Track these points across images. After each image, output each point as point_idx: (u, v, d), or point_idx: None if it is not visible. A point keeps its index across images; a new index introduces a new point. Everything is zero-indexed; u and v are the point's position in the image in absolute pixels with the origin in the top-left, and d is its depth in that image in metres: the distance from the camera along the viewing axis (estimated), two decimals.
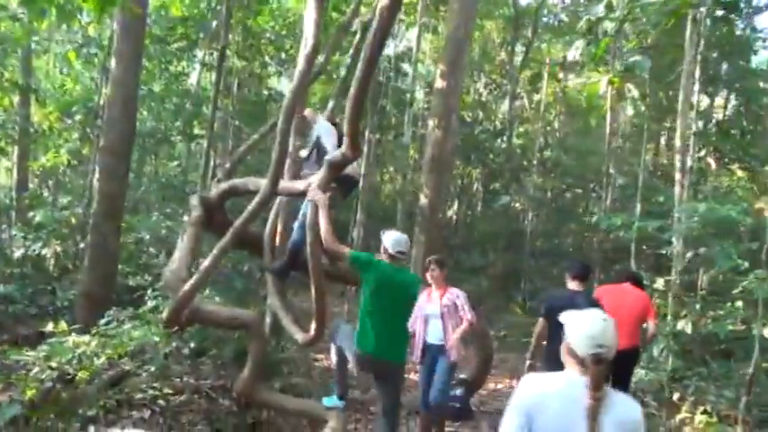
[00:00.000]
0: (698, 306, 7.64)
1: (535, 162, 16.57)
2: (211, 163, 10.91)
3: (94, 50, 10.61)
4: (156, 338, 4.68)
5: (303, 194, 5.81)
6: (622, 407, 2.17)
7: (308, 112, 6.64)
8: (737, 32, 11.41)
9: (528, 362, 5.37)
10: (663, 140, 16.77)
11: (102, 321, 5.72)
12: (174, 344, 5.73)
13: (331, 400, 4.93)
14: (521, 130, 19.04)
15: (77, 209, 10.76)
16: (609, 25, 7.87)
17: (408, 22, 15.78)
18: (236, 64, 11.53)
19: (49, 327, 4.86)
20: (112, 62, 7.75)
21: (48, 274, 10.17)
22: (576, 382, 2.17)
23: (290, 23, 11.61)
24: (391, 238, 4.41)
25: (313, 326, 4.93)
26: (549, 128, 17.94)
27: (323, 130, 6.34)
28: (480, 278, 14.30)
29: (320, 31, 5.37)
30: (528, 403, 2.18)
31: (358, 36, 8.14)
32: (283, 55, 12.06)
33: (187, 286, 4.72)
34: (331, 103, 7.96)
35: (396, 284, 4.31)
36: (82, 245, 9.49)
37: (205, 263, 4.87)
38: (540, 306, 5.16)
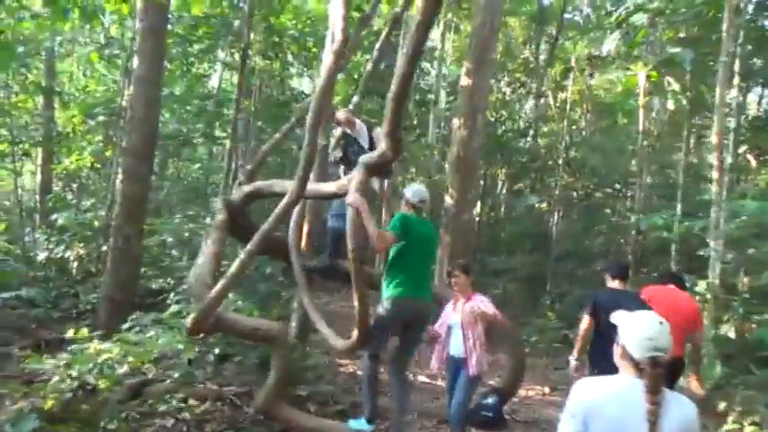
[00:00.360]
0: (741, 310, 7.27)
1: (560, 161, 16.20)
2: (233, 165, 10.78)
3: (117, 51, 10.56)
4: (180, 345, 4.49)
5: (333, 197, 5.64)
6: (679, 408, 2.15)
7: (346, 114, 6.50)
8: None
9: (573, 362, 5.11)
10: (692, 138, 16.29)
11: (125, 326, 5.58)
12: (197, 349, 5.57)
13: (358, 423, 4.69)
14: (545, 129, 18.66)
15: (100, 211, 10.71)
16: (641, 18, 7.56)
17: None
18: (258, 63, 11.39)
19: (70, 332, 4.69)
20: (135, 62, 7.64)
21: (71, 277, 10.14)
22: (632, 386, 2.14)
23: (312, 23, 11.44)
24: (412, 190, 4.95)
25: (354, 333, 4.70)
26: (574, 127, 17.52)
27: (360, 131, 6.30)
28: (506, 281, 13.97)
29: (348, 25, 5.16)
30: (584, 408, 2.15)
31: (384, 31, 7.92)
32: (306, 54, 11.89)
33: (212, 293, 4.52)
34: (355, 99, 7.74)
35: (422, 234, 4.82)
36: (105, 248, 9.42)
37: (231, 269, 4.67)
38: (586, 305, 5.03)
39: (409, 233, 4.67)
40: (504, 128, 17.61)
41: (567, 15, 16.55)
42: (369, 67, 8.12)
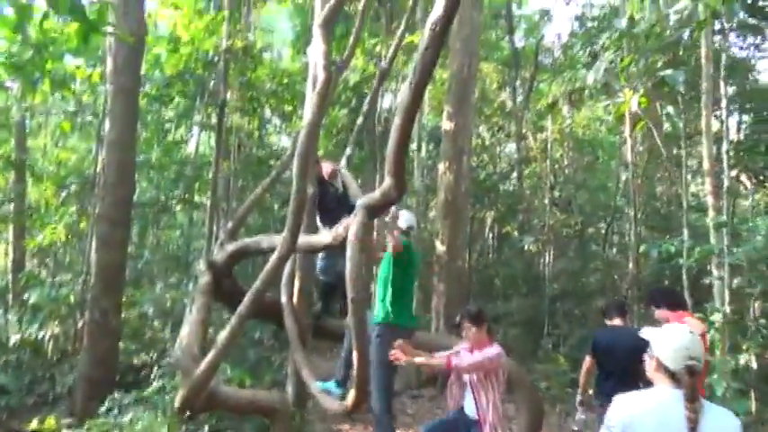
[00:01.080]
0: (760, 337, 6.89)
1: (546, 201, 16.07)
2: (215, 227, 10.35)
3: (89, 118, 10.24)
4: (164, 429, 3.96)
5: (328, 248, 5.29)
6: (720, 418, 2.19)
7: (332, 166, 6.51)
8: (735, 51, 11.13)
9: (579, 398, 5.27)
10: (672, 167, 16.33)
11: (103, 409, 5.04)
12: (184, 428, 5.01)
13: None
14: (526, 171, 18.62)
15: (77, 286, 10.13)
16: (618, 54, 7.46)
17: (403, 74, 15.50)
18: (235, 121, 11.16)
19: (34, 423, 4.14)
20: (106, 125, 7.32)
21: (46, 359, 9.45)
22: (670, 397, 2.21)
23: (290, 77, 11.28)
24: (404, 217, 5.19)
25: (351, 392, 4.21)
26: (557, 166, 17.50)
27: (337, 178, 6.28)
28: (505, 327, 13.49)
29: (330, 63, 4.91)
30: (622, 422, 2.21)
31: (375, 82, 7.83)
32: (284, 108, 11.67)
33: (203, 366, 4.04)
34: (348, 150, 7.47)
35: (415, 259, 5.12)
36: (81, 324, 8.83)
37: (221, 337, 4.21)
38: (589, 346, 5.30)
39: (410, 257, 4.91)
40: (486, 172, 17.51)
41: (538, 58, 16.75)
42: (360, 120, 7.91)
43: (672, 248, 6.07)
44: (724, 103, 7.80)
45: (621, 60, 6.65)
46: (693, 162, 16.75)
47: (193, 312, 5.38)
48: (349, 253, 4.01)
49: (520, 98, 17.64)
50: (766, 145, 10.34)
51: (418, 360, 4.30)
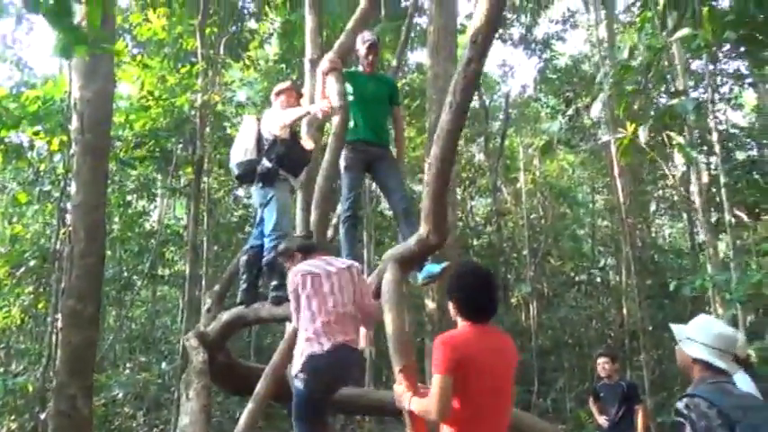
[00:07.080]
0: None
1: (525, 253, 15.78)
2: (193, 298, 9.48)
3: (48, 187, 9.44)
4: None
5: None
6: None
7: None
8: None
9: None
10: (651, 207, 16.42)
11: None
12: None
13: None
14: (502, 223, 18.41)
15: (36, 374, 9.05)
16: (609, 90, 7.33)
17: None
18: (209, 184, 10.51)
19: None
20: (72, 188, 6.61)
21: None
22: None
23: None
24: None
25: None
26: (533, 215, 17.36)
27: None
28: None
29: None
30: None
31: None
32: None
33: None
34: None
35: None
36: (43, 416, 7.78)
37: (240, 425, 3.54)
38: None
39: None
40: (460, 227, 17.19)
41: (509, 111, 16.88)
42: None
43: (708, 284, 5.67)
44: (716, 137, 7.71)
45: (622, 94, 6.47)
46: (665, 204, 16.91)
47: (192, 398, 4.59)
48: (388, 318, 3.39)
49: (490, 153, 17.61)
50: (747, 180, 10.39)
51: None
